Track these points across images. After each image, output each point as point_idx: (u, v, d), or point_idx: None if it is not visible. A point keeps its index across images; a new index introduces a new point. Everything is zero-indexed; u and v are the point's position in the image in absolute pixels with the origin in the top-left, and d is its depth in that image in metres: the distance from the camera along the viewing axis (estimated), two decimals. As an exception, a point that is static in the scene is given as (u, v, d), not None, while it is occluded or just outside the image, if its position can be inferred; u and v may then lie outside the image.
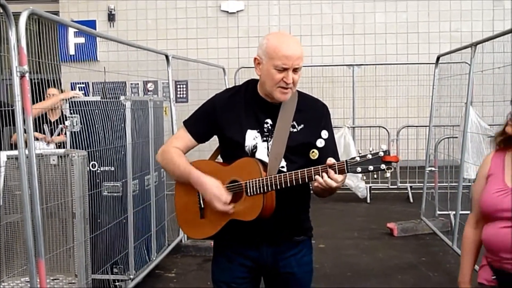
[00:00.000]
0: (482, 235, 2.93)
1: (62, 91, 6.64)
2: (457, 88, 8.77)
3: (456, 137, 8.16)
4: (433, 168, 8.72)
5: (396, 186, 10.80)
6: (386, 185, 10.81)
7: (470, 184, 8.11)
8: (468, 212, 7.78)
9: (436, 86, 8.54)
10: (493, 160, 2.95)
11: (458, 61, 8.82)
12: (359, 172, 2.67)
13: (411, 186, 10.63)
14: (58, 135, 6.57)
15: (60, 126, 6.73)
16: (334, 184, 2.68)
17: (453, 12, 13.92)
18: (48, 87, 6.06)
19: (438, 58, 8.46)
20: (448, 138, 8.91)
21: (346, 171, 2.68)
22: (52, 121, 6.87)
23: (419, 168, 10.39)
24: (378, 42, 14.07)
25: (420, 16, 14.00)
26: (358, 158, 2.66)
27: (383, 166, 2.63)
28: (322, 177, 2.68)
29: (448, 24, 13.94)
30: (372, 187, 10.59)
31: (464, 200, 7.09)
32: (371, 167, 2.64)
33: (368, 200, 10.32)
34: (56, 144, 6.48)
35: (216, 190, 2.87)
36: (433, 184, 8.86)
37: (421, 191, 8.94)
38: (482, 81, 9.39)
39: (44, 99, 5.82)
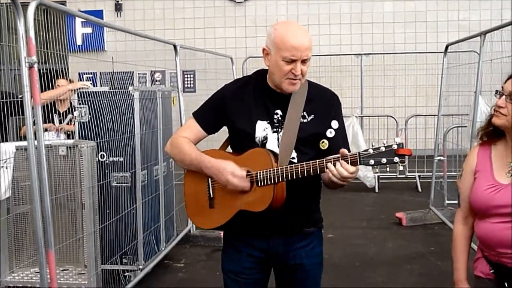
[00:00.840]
0: (476, 230, 2.90)
1: (71, 82, 6.65)
2: (465, 77, 8.73)
3: (465, 126, 8.13)
4: (442, 158, 8.69)
5: (404, 176, 10.78)
6: (395, 174, 10.80)
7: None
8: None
9: (445, 75, 8.49)
10: (479, 155, 2.90)
11: (467, 50, 8.77)
12: (372, 165, 2.63)
13: (419, 176, 10.59)
14: (67, 124, 6.59)
15: (69, 115, 6.75)
16: (345, 173, 2.63)
17: (461, 1, 13.83)
18: (56, 77, 6.06)
19: (447, 47, 8.41)
20: (457, 127, 8.86)
21: (358, 163, 2.64)
22: (61, 112, 6.88)
23: (427, 157, 10.34)
24: (386, 31, 14.00)
25: (429, 5, 13.92)
26: (371, 151, 2.61)
27: (396, 159, 2.58)
28: (334, 166, 2.66)
29: (457, 13, 13.86)
30: (381, 176, 10.57)
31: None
32: (384, 160, 2.59)
33: (377, 190, 10.31)
34: (66, 133, 6.49)
35: (231, 167, 2.84)
36: (442, 174, 8.84)
37: (429, 180, 8.91)
38: (491, 70, 9.33)
39: (52, 90, 5.82)
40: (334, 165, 2.65)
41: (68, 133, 6.62)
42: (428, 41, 13.64)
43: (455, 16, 13.82)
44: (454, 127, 8.88)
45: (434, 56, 11.69)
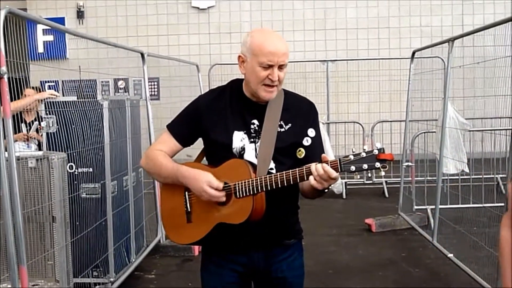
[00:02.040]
0: None
1: (39, 91, 6.49)
2: (428, 83, 8.81)
3: (434, 132, 8.18)
4: (409, 163, 8.73)
5: (371, 181, 10.81)
6: (362, 180, 10.80)
7: (446, 178, 8.18)
8: (447, 206, 7.80)
9: (412, 81, 8.54)
10: None
11: (431, 55, 8.85)
12: (353, 171, 2.58)
13: (386, 181, 10.61)
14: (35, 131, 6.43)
15: (35, 123, 6.59)
16: (326, 175, 2.57)
17: (423, 6, 14.04)
18: (17, 85, 5.90)
19: (413, 53, 8.46)
20: (425, 133, 8.91)
21: (339, 170, 2.59)
22: (28, 122, 6.72)
23: (393, 162, 10.34)
24: (349, 37, 14.12)
25: (391, 11, 14.08)
26: (352, 157, 2.57)
27: (377, 165, 2.55)
28: (316, 169, 2.58)
29: (419, 19, 14.05)
30: (348, 182, 10.57)
31: (443, 195, 7.10)
32: (365, 166, 2.56)
33: (344, 196, 10.31)
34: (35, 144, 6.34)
35: (208, 177, 2.77)
36: (410, 179, 8.89)
37: (396, 186, 8.94)
38: (453, 75, 9.44)
39: (16, 99, 5.67)
40: (316, 167, 2.59)
41: (37, 144, 6.46)
42: (391, 47, 13.79)
43: (417, 22, 14.01)
44: (422, 132, 8.91)
45: (397, 62, 11.79)
